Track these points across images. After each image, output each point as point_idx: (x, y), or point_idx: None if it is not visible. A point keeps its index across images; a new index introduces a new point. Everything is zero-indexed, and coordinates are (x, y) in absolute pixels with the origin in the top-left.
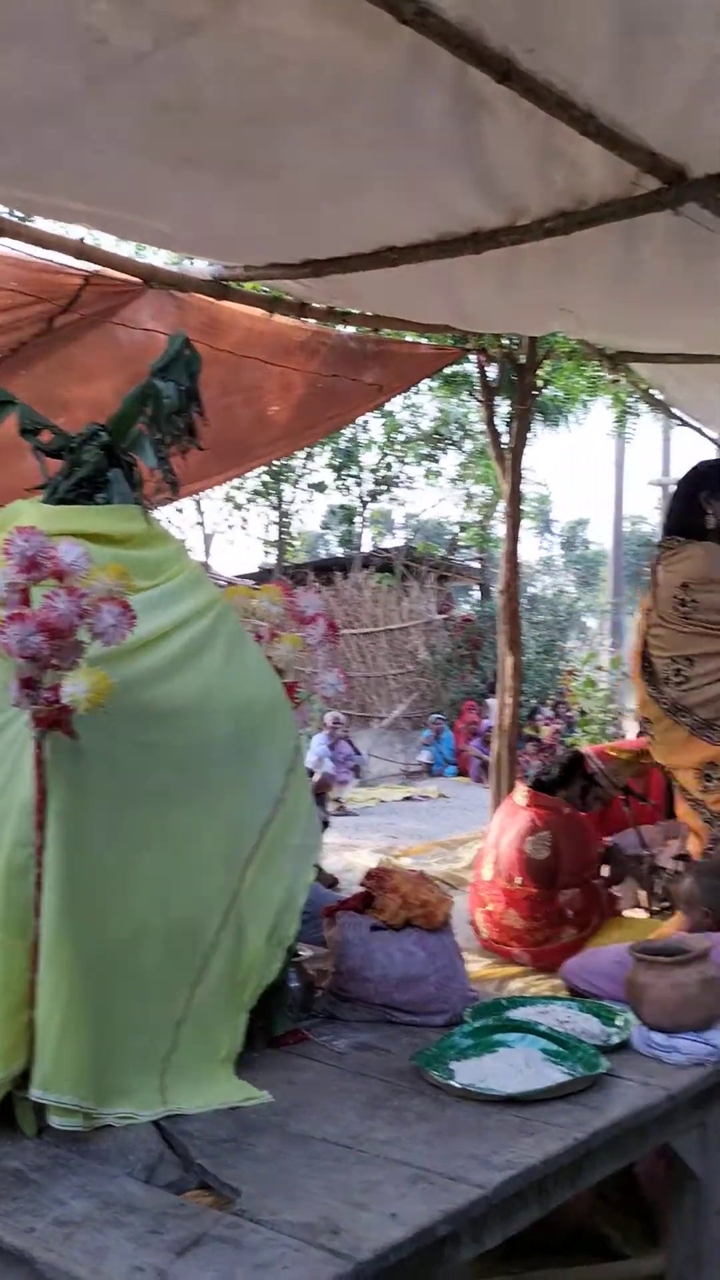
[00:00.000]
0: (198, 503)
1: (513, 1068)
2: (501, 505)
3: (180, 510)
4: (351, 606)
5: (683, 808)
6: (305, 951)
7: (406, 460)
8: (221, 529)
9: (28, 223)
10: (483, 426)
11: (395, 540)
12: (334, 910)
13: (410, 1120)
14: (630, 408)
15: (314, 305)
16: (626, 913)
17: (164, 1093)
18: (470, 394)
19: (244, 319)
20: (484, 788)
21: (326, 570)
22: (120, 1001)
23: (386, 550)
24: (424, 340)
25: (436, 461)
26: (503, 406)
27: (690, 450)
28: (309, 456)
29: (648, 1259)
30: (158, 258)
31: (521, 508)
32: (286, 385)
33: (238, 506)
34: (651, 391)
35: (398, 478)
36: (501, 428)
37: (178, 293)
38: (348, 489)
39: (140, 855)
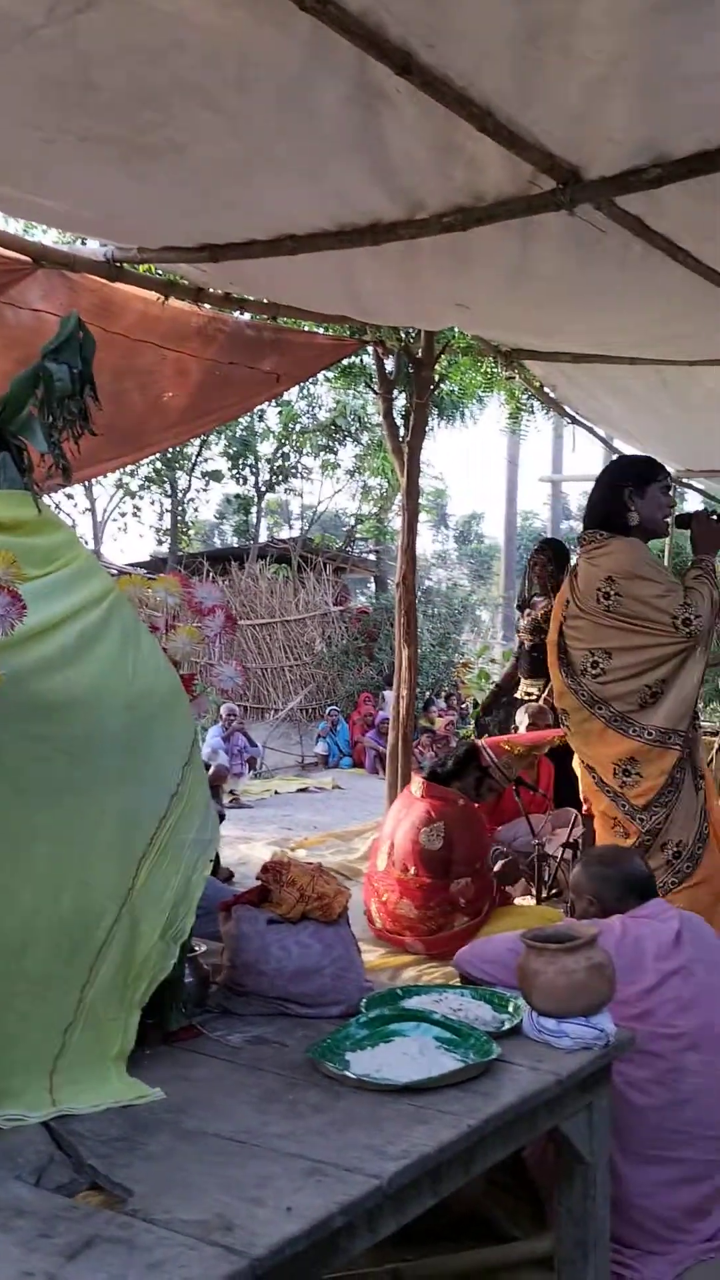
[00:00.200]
0: (89, 489)
1: (407, 1057)
2: (398, 498)
3: (71, 497)
4: (247, 597)
5: (603, 802)
6: (200, 947)
7: (304, 451)
8: (113, 516)
9: None
10: (380, 419)
11: (292, 531)
12: (230, 904)
13: (305, 1113)
14: (524, 405)
15: (210, 291)
16: (517, 900)
17: (53, 1093)
18: (368, 386)
19: (138, 302)
20: (379, 779)
21: (222, 560)
22: (6, 1003)
23: (283, 541)
24: (322, 330)
25: (334, 453)
26: (400, 400)
27: (582, 448)
28: (204, 445)
29: (537, 1241)
30: (47, 236)
31: (418, 501)
32: (182, 371)
33: (130, 494)
34: (545, 389)
35: (295, 468)
36: (399, 421)
37: (69, 273)
38: (244, 479)
39: (29, 849)
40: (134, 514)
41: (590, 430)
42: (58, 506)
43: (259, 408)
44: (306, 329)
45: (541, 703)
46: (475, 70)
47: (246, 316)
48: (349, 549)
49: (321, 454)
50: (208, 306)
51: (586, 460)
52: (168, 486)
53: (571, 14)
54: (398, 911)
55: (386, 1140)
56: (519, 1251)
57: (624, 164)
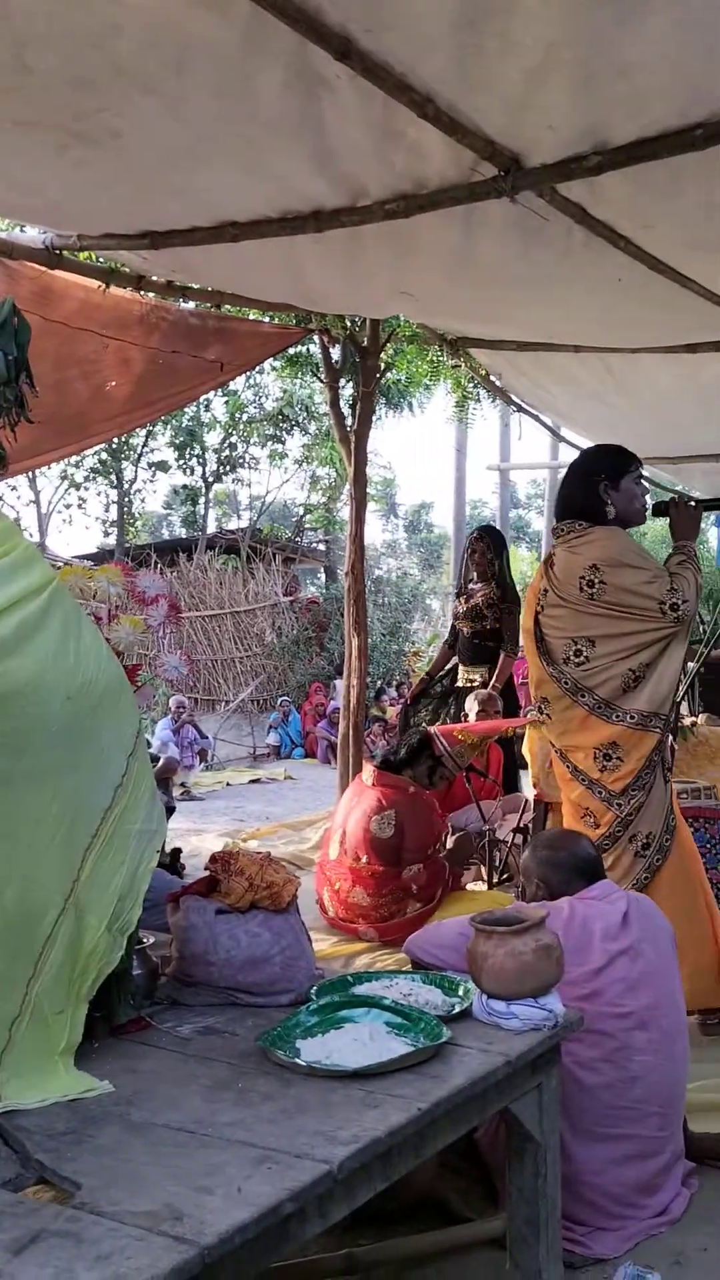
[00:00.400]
0: (33, 480)
1: (357, 1042)
2: (346, 488)
3: (14, 488)
4: (196, 589)
5: (576, 790)
6: (148, 938)
7: (251, 441)
8: (58, 508)
9: None
10: (327, 408)
11: (240, 522)
12: (178, 895)
13: (255, 1101)
14: (470, 393)
15: (152, 278)
16: (469, 886)
17: None
18: (314, 375)
19: (78, 290)
20: (331, 769)
21: (170, 552)
22: None
23: (231, 532)
24: (267, 319)
25: (281, 443)
26: (347, 389)
27: (528, 436)
28: (150, 435)
29: (489, 1222)
30: None
31: (366, 490)
32: (125, 360)
33: (75, 485)
34: (491, 378)
35: (242, 459)
36: (346, 410)
37: (7, 260)
38: (191, 469)
39: None
40: (80, 506)
41: (537, 419)
42: (0, 499)
43: (205, 397)
44: (252, 317)
45: (491, 689)
46: (415, 57)
47: (190, 305)
48: (298, 539)
49: (269, 444)
50: (150, 295)
51: (533, 448)
52: (114, 478)
53: (510, 0)
54: (350, 900)
55: (337, 1126)
56: (472, 1232)
57: (564, 151)
